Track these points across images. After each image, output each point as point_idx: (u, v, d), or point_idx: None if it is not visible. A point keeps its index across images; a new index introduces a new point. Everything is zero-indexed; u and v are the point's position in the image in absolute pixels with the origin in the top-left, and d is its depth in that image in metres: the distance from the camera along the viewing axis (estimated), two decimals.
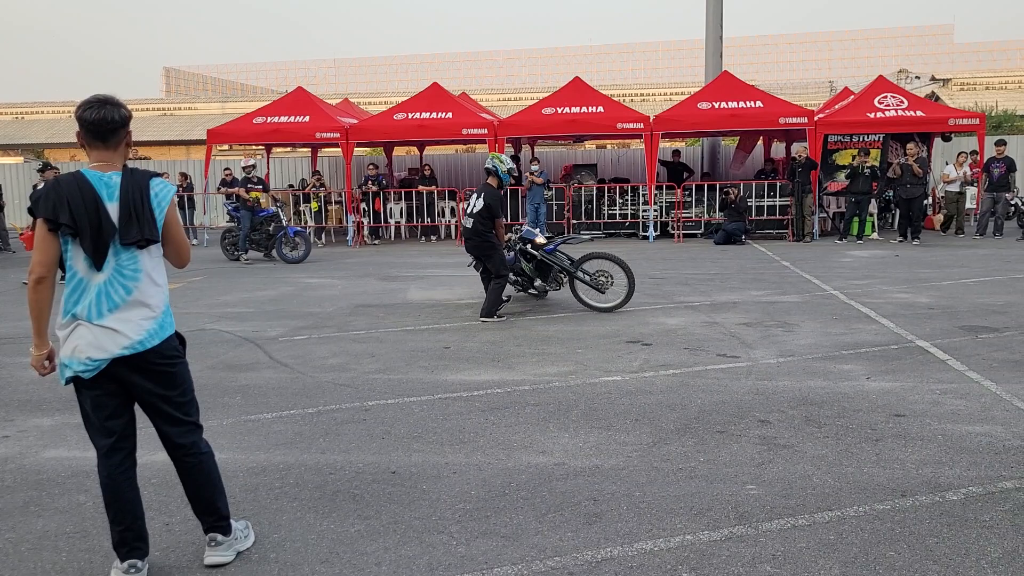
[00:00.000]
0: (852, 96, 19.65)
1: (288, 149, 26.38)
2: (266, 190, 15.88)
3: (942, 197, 18.75)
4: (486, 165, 9.30)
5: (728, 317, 8.71)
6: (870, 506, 3.88)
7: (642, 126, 17.97)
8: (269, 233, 15.39)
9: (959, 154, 17.69)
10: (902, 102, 17.77)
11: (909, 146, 16.78)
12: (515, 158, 20.71)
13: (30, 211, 3.38)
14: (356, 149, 19.81)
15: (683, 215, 18.40)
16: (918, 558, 3.38)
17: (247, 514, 3.91)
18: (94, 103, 3.15)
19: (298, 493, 4.21)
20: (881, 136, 18.27)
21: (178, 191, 14.78)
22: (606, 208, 18.99)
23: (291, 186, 22.95)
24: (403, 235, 20.03)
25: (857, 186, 16.73)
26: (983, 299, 9.44)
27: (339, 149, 19.50)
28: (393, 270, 13.71)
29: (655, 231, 18.22)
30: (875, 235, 17.42)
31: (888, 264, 13.05)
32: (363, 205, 19.21)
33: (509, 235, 9.61)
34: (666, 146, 22.50)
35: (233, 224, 16.37)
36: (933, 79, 41.81)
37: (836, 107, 19.28)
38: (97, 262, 3.13)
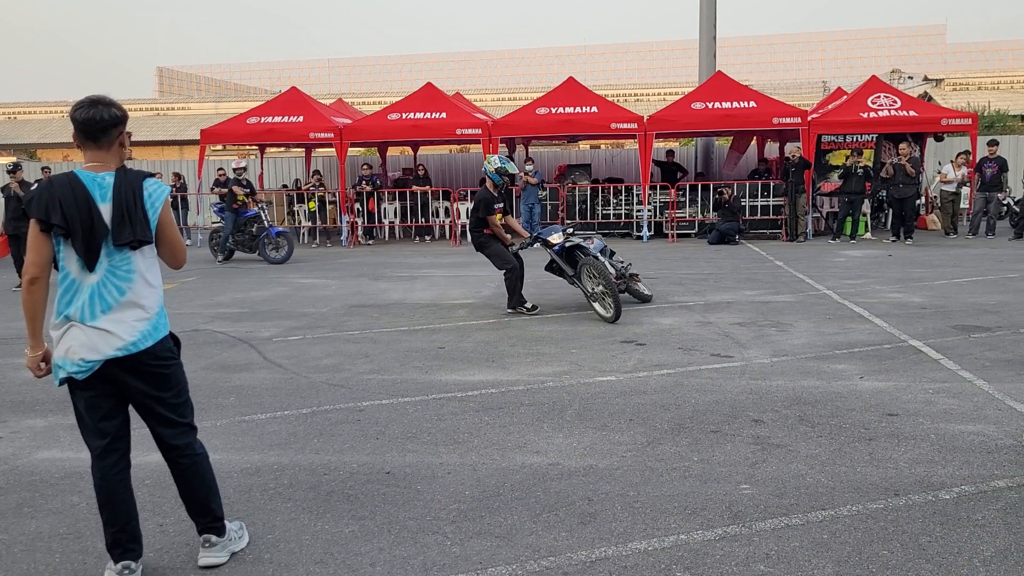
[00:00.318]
0: (845, 96, 19.71)
1: (282, 149, 26.33)
2: (252, 193, 15.81)
3: (935, 197, 18.81)
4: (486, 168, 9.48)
5: (722, 317, 8.72)
6: (863, 505, 3.90)
7: (636, 126, 17.99)
8: (252, 234, 15.37)
9: (958, 154, 17.72)
10: (895, 102, 17.82)
11: (902, 146, 16.83)
12: (509, 158, 20.71)
13: (24, 211, 3.36)
14: (350, 149, 19.78)
15: (677, 215, 18.43)
16: (911, 557, 3.39)
17: (241, 515, 3.91)
18: (85, 103, 3.15)
19: (292, 494, 4.21)
20: (874, 136, 18.32)
21: (172, 191, 14.75)
22: (600, 208, 19.01)
23: (285, 186, 22.92)
24: (397, 235, 20.02)
25: (850, 186, 16.78)
26: (976, 299, 9.48)
27: (333, 149, 19.49)
28: (387, 270, 13.70)
29: (649, 231, 18.24)
30: (868, 235, 17.46)
31: (881, 264, 13.08)
32: (357, 205, 19.19)
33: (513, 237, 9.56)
34: (660, 146, 22.53)
35: (220, 224, 16.38)
36: (926, 79, 41.92)
37: (829, 107, 19.32)
38: (89, 263, 3.13)
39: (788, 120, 17.72)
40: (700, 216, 18.45)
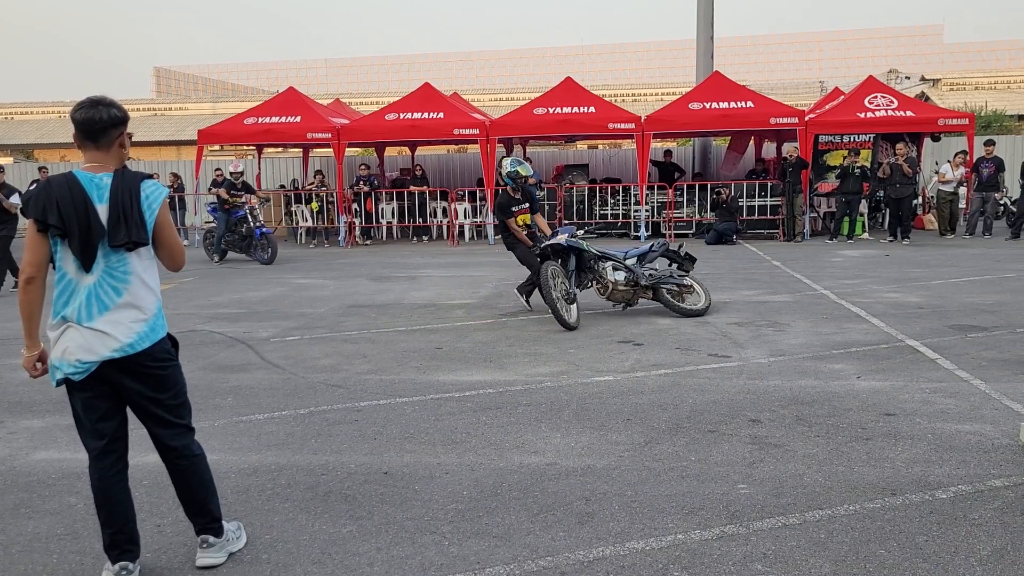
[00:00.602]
0: (842, 96, 19.73)
1: (279, 149, 26.32)
2: (252, 193, 15.78)
3: (932, 197, 18.82)
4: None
5: (719, 317, 8.73)
6: (860, 505, 3.90)
7: (633, 126, 17.99)
8: (242, 234, 15.37)
9: (956, 154, 17.73)
10: (892, 102, 17.84)
11: (899, 146, 16.84)
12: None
13: (21, 211, 3.36)
14: (348, 149, 19.76)
15: (675, 215, 18.44)
16: (908, 556, 3.40)
17: (239, 515, 3.91)
18: (86, 104, 3.15)
19: (290, 494, 4.21)
20: (872, 136, 18.34)
21: (170, 192, 14.70)
22: (598, 208, 19.01)
23: (282, 186, 22.90)
24: (395, 235, 20.02)
25: (848, 186, 16.80)
26: (972, 298, 9.49)
27: (330, 149, 19.48)
28: (385, 270, 13.70)
29: (647, 231, 18.25)
30: (865, 235, 17.48)
31: (878, 264, 13.10)
32: (355, 205, 19.18)
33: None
34: (657, 146, 22.52)
35: (215, 224, 16.39)
36: (923, 79, 41.99)
37: (827, 107, 19.33)
38: (86, 264, 3.13)
39: (785, 120, 17.73)
40: (698, 216, 18.46)
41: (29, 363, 3.23)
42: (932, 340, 7.35)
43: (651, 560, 3.42)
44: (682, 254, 9.27)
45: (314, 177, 20.03)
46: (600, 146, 32.22)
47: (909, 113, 17.70)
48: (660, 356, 7.04)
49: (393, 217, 19.70)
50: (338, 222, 19.07)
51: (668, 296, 8.91)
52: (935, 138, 19.70)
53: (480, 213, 19.37)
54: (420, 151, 24.36)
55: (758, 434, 4.95)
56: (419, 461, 4.63)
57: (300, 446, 4.93)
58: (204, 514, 3.44)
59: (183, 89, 69.72)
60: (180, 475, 3.40)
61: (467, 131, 18.41)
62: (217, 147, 28.35)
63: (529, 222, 9.49)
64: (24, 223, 3.30)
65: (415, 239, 19.47)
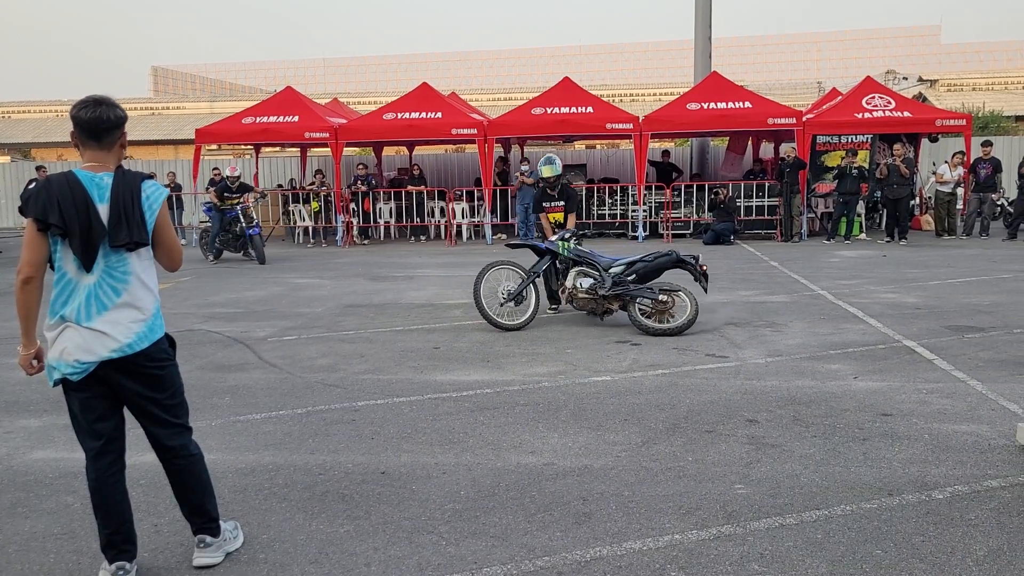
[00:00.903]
0: (840, 97, 19.75)
1: (277, 149, 26.30)
2: (246, 191, 15.73)
3: (929, 197, 18.84)
4: None
5: (717, 317, 8.74)
6: (857, 505, 3.91)
7: (631, 126, 18.01)
8: (236, 234, 15.34)
9: (953, 154, 17.76)
10: (889, 103, 17.86)
11: (896, 147, 16.87)
12: (503, 159, 20.72)
13: (20, 210, 3.36)
14: (345, 149, 19.77)
15: (672, 215, 18.45)
16: (904, 556, 3.40)
17: (236, 515, 3.90)
18: (90, 103, 3.14)
19: (287, 494, 4.21)
20: (869, 137, 18.36)
21: (169, 192, 14.64)
22: (595, 208, 19.02)
23: (280, 186, 22.89)
24: (392, 235, 20.01)
25: (845, 186, 16.82)
26: (969, 299, 9.51)
27: (328, 149, 19.48)
28: (382, 270, 13.70)
29: (644, 231, 18.26)
30: (863, 235, 17.50)
31: (875, 264, 13.11)
32: (352, 205, 19.18)
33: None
34: (655, 146, 22.55)
35: (210, 224, 16.39)
36: (920, 80, 42.00)
37: (824, 108, 19.37)
38: (86, 264, 3.12)
39: (783, 120, 17.76)
40: (695, 216, 18.48)
41: (25, 361, 3.22)
42: (929, 341, 7.36)
43: (648, 560, 3.42)
44: (699, 268, 8.33)
45: (314, 177, 20.02)
46: (598, 146, 32.22)
47: (906, 114, 17.74)
48: (657, 356, 7.04)
49: (391, 217, 19.70)
50: (336, 222, 19.06)
51: (637, 312, 8.06)
52: (932, 139, 19.74)
53: (478, 213, 19.37)
54: (418, 151, 24.37)
55: (755, 434, 4.96)
56: (416, 461, 4.63)
57: (297, 446, 4.93)
58: (201, 514, 3.44)
59: (181, 88, 69.59)
60: (177, 475, 3.40)
61: (465, 131, 18.41)
62: (215, 146, 28.34)
63: (562, 220, 9.40)
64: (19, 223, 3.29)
65: (413, 239, 19.47)
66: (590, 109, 18.44)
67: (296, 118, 18.77)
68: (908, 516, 3.78)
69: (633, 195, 18.56)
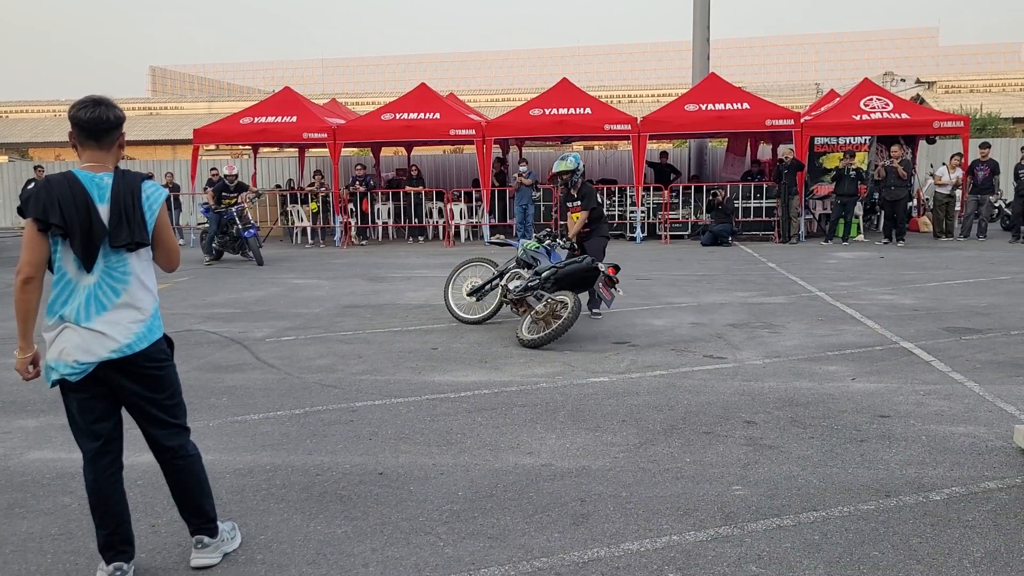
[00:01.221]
0: (838, 98, 19.76)
1: (275, 149, 26.31)
2: (243, 190, 15.70)
3: (927, 200, 18.86)
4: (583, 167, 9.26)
5: (715, 318, 8.74)
6: (855, 506, 3.91)
7: (629, 127, 18.01)
8: (233, 235, 15.27)
9: (952, 156, 17.78)
10: (887, 104, 17.88)
11: (893, 148, 16.89)
12: (501, 160, 20.72)
13: (19, 211, 3.35)
14: (344, 149, 19.76)
15: (670, 216, 18.46)
16: (902, 558, 3.41)
17: (234, 515, 3.90)
18: (88, 103, 3.14)
19: (285, 494, 4.21)
20: (867, 139, 18.38)
21: (168, 193, 14.59)
22: None
23: (278, 186, 22.87)
24: (391, 236, 20.01)
25: (843, 188, 16.84)
26: (967, 301, 9.52)
27: (326, 149, 19.46)
28: (381, 271, 13.70)
29: (642, 232, 18.27)
30: (860, 237, 17.51)
31: (873, 266, 13.13)
32: (351, 206, 19.17)
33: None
34: (653, 147, 22.55)
35: (208, 225, 16.35)
36: (918, 82, 42.08)
37: (822, 109, 19.38)
38: (87, 264, 3.11)
39: (781, 122, 17.76)
40: (693, 217, 18.48)
41: (22, 365, 3.20)
42: (927, 342, 7.37)
43: (646, 561, 3.42)
44: (600, 285, 7.75)
45: (313, 178, 20.01)
46: (596, 147, 32.27)
47: (904, 116, 17.75)
48: (655, 357, 7.05)
49: (389, 217, 19.69)
50: (334, 222, 19.05)
51: (527, 318, 7.84)
52: (930, 141, 19.76)
53: (476, 214, 19.37)
54: (416, 151, 24.35)
55: (753, 436, 4.96)
56: (414, 462, 4.63)
57: (295, 446, 4.93)
58: (199, 514, 3.44)
59: (179, 88, 69.57)
60: (175, 475, 3.40)
61: (463, 132, 18.41)
62: (213, 147, 28.34)
63: (578, 218, 9.16)
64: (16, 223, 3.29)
65: (411, 239, 19.46)
66: (588, 110, 18.44)
67: (294, 118, 18.76)
68: (905, 517, 3.79)
69: (631, 196, 18.56)
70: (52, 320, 3.15)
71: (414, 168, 20.55)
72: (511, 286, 8.29)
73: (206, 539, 3.44)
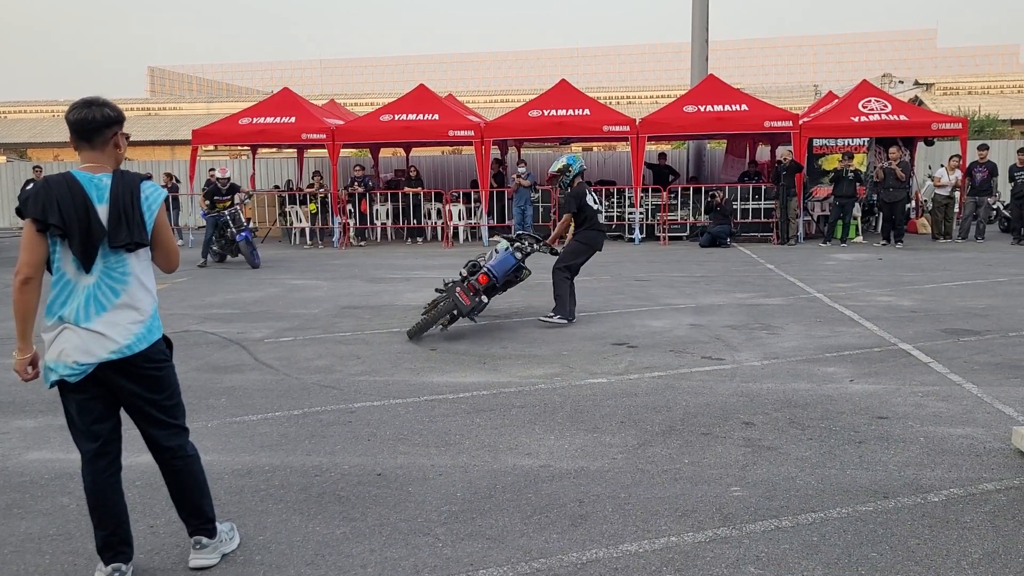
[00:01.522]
0: (836, 100, 19.78)
1: (274, 150, 26.29)
2: (232, 192, 15.57)
3: (925, 201, 18.88)
4: (584, 167, 9.08)
5: (713, 319, 8.75)
6: (853, 508, 3.92)
7: (628, 129, 18.02)
8: (228, 239, 15.14)
9: (951, 158, 17.79)
10: (886, 106, 17.89)
11: (892, 150, 16.90)
12: (499, 161, 20.73)
13: (18, 211, 3.35)
14: (342, 150, 19.75)
15: (669, 218, 18.47)
16: (900, 559, 3.41)
17: (232, 516, 3.90)
18: (79, 104, 3.16)
19: (283, 495, 4.21)
20: (865, 140, 18.40)
21: (167, 194, 14.41)
22: None
23: (276, 187, 22.87)
24: (389, 237, 20.00)
25: (841, 190, 16.85)
26: (965, 302, 9.53)
27: (325, 150, 19.45)
28: (379, 272, 13.69)
29: (641, 233, 18.28)
30: (859, 238, 17.53)
31: (871, 267, 13.14)
32: (349, 206, 19.16)
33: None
34: (652, 149, 22.57)
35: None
36: (916, 83, 42.12)
37: (820, 111, 19.39)
38: (86, 264, 3.12)
39: (779, 124, 17.77)
40: (692, 219, 18.49)
41: (21, 366, 3.19)
42: (925, 344, 7.38)
43: (644, 562, 3.42)
44: (462, 287, 8.06)
45: (312, 179, 20.00)
46: (595, 148, 32.29)
47: (903, 117, 17.77)
48: (654, 358, 7.05)
49: (387, 218, 19.69)
50: (332, 223, 19.05)
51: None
52: (928, 142, 19.78)
53: (474, 215, 19.37)
54: (415, 152, 24.35)
55: (751, 437, 4.96)
56: (413, 463, 4.63)
57: (294, 447, 4.93)
58: (198, 515, 3.44)
59: (177, 89, 69.54)
60: (174, 476, 3.40)
61: (462, 133, 18.41)
62: (211, 147, 28.34)
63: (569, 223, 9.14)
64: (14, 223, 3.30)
65: (409, 240, 19.46)
66: (587, 111, 18.45)
67: (293, 119, 18.75)
68: (903, 519, 3.79)
69: (630, 197, 18.57)
70: (51, 321, 3.15)
71: (413, 169, 20.55)
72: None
73: (204, 540, 3.44)
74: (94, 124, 3.14)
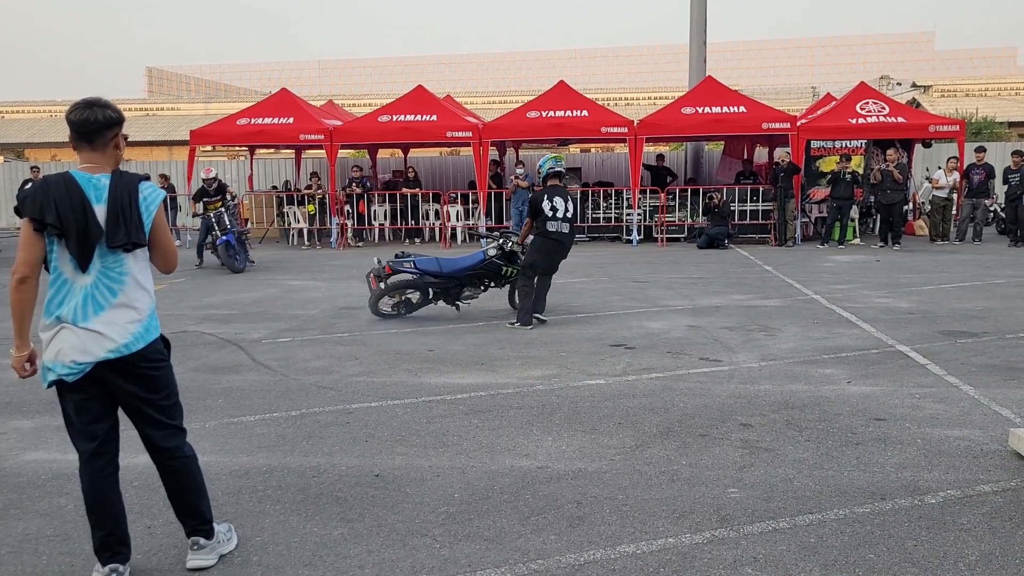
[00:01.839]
0: (834, 102, 19.78)
1: (272, 151, 26.27)
2: (220, 192, 15.40)
3: (923, 203, 18.89)
4: (556, 168, 8.94)
5: (711, 321, 8.75)
6: (850, 509, 3.92)
7: (626, 130, 18.02)
8: (212, 241, 14.93)
9: (948, 159, 17.81)
10: (883, 108, 17.90)
11: (889, 152, 16.92)
12: (496, 162, 20.74)
13: (16, 211, 3.35)
14: (340, 151, 19.74)
15: (667, 219, 18.47)
16: (897, 561, 3.42)
17: (230, 517, 3.90)
18: (80, 105, 3.16)
19: (281, 496, 4.21)
20: (863, 142, 18.41)
21: (166, 195, 14.18)
22: (590, 211, 19.02)
23: (274, 187, 22.85)
24: (387, 237, 19.99)
25: (839, 191, 16.86)
26: (962, 304, 9.54)
27: (323, 151, 19.44)
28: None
29: (639, 235, 18.28)
30: (856, 240, 17.54)
31: (869, 269, 13.15)
32: (347, 207, 19.15)
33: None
34: (650, 150, 22.58)
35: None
36: (914, 86, 42.13)
37: (818, 113, 19.39)
38: (83, 264, 3.12)
39: (777, 125, 17.76)
40: (690, 220, 18.49)
41: (18, 363, 3.20)
42: (922, 345, 7.39)
43: (642, 564, 3.43)
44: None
45: (310, 180, 19.97)
46: (593, 150, 32.30)
47: (900, 119, 17.78)
48: (651, 360, 7.06)
49: (385, 219, 19.68)
50: (330, 224, 19.04)
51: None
52: (926, 144, 19.80)
53: (472, 216, 19.37)
54: (413, 153, 24.34)
55: (749, 438, 4.97)
56: (410, 464, 4.63)
57: (291, 448, 4.93)
58: (195, 515, 3.44)
59: (175, 89, 69.50)
60: (171, 476, 3.40)
61: (460, 134, 18.40)
62: (209, 148, 28.31)
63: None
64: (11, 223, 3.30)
65: (407, 241, 19.45)
66: (585, 113, 18.45)
67: (291, 120, 18.73)
68: (901, 520, 3.79)
69: (628, 199, 18.57)
70: (49, 320, 3.16)
71: (411, 170, 20.54)
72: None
73: (202, 540, 3.44)
74: (96, 125, 3.15)
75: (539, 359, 7.15)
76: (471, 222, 19.39)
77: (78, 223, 3.08)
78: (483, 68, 74.43)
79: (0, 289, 10.36)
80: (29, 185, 12.09)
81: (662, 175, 20.38)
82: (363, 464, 4.64)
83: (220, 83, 72.13)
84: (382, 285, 9.17)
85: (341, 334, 8.40)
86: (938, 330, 8.07)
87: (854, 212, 17.59)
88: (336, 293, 11.32)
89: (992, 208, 18.39)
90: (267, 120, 18.78)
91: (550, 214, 8.61)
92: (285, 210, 19.80)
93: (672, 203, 18.64)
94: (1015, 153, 16.89)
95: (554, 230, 8.65)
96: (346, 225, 19.01)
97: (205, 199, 15.30)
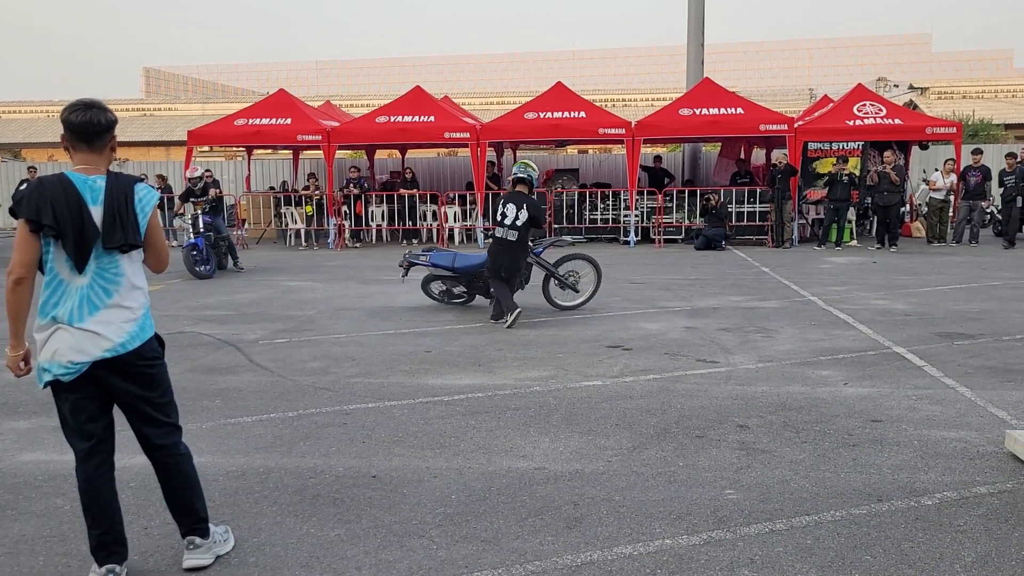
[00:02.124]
0: (831, 104, 19.80)
1: (269, 151, 26.26)
2: (206, 192, 15.26)
3: (919, 205, 18.92)
4: (518, 174, 8.99)
5: (708, 322, 8.76)
6: (847, 511, 3.93)
7: (624, 132, 18.04)
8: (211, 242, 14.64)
9: (945, 161, 17.84)
10: (881, 110, 17.93)
11: (886, 154, 16.94)
12: (492, 163, 20.73)
13: (11, 211, 3.35)
14: (338, 152, 19.73)
15: (664, 220, 18.49)
16: (893, 562, 3.42)
17: (227, 518, 3.90)
18: (80, 106, 3.16)
19: (278, 497, 4.20)
20: (860, 144, 18.44)
21: (160, 196, 14.10)
22: (587, 213, 19.04)
23: (272, 188, 22.83)
24: (384, 238, 19.99)
25: (836, 193, 16.88)
26: (959, 306, 9.55)
27: (321, 152, 19.44)
28: (374, 273, 13.68)
29: (636, 236, 18.30)
30: (853, 242, 17.56)
31: (866, 271, 13.17)
32: (344, 208, 19.15)
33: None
34: (647, 151, 22.60)
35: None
36: (911, 87, 42.19)
37: (816, 114, 19.42)
38: (79, 265, 3.13)
39: (775, 127, 17.79)
40: (687, 222, 18.51)
41: (14, 363, 3.22)
42: (919, 347, 7.40)
43: (639, 565, 3.43)
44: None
45: (307, 180, 19.95)
46: (590, 151, 32.30)
47: (897, 121, 17.81)
48: (649, 361, 7.06)
49: (383, 220, 19.67)
50: (328, 225, 19.04)
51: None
52: (923, 146, 19.82)
53: (470, 217, 19.37)
54: (410, 154, 24.35)
55: (746, 440, 4.97)
56: (407, 465, 4.63)
57: (288, 449, 4.93)
58: (190, 514, 3.44)
59: (172, 89, 69.43)
60: (166, 474, 3.40)
61: (458, 135, 18.41)
62: (207, 148, 28.27)
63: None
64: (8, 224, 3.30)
65: (405, 242, 19.44)
66: (583, 114, 18.46)
67: (289, 120, 18.73)
68: (897, 522, 3.80)
69: (625, 200, 18.58)
70: (44, 321, 3.16)
71: (408, 171, 20.54)
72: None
73: (197, 540, 3.44)
74: (98, 128, 3.17)
75: (536, 360, 7.15)
76: (468, 223, 19.39)
77: (75, 224, 3.09)
78: (481, 69, 74.45)
79: None
80: (24, 186, 11.96)
81: (659, 176, 20.39)
82: (360, 465, 4.64)
83: (218, 83, 72.09)
84: (402, 277, 10.10)
85: (338, 335, 8.40)
86: (935, 332, 8.08)
87: (851, 214, 17.61)
88: (333, 294, 11.32)
89: (989, 210, 18.42)
90: (265, 121, 18.78)
91: (499, 219, 8.95)
92: (282, 211, 19.80)
93: (669, 204, 18.65)
94: (1009, 155, 16.93)
95: (500, 235, 8.96)
96: (343, 226, 19.00)
97: (192, 199, 15.20)
